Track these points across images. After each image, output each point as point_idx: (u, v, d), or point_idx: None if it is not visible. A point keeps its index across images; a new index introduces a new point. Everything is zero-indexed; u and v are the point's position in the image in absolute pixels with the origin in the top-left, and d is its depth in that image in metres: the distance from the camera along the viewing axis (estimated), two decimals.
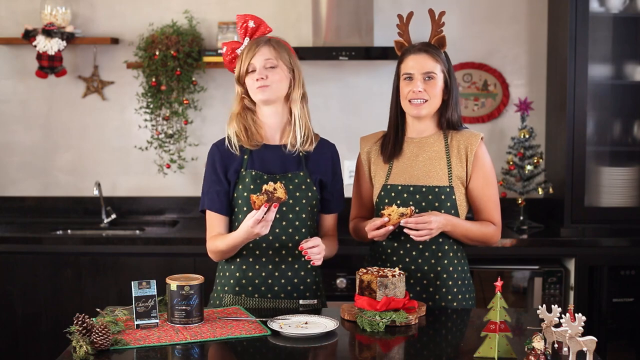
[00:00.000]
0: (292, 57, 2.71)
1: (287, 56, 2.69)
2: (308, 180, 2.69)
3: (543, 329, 2.14)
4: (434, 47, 2.72)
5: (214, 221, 2.72)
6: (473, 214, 2.78)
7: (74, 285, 3.83)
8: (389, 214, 2.57)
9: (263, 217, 2.48)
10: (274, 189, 2.48)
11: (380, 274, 2.47)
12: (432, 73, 2.67)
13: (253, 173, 2.66)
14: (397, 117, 2.76)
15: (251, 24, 2.70)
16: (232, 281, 2.69)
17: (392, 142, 2.76)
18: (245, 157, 2.69)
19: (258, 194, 2.49)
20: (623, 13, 3.96)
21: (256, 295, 2.66)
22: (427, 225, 2.57)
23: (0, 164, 4.39)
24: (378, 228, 2.60)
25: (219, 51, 4.07)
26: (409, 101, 2.68)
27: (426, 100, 2.67)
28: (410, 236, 2.59)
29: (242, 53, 2.68)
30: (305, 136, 2.69)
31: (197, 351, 2.23)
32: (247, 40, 2.71)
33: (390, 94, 2.79)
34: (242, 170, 2.68)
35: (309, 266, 2.68)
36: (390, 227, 2.58)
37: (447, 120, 2.74)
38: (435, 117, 2.74)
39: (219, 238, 2.67)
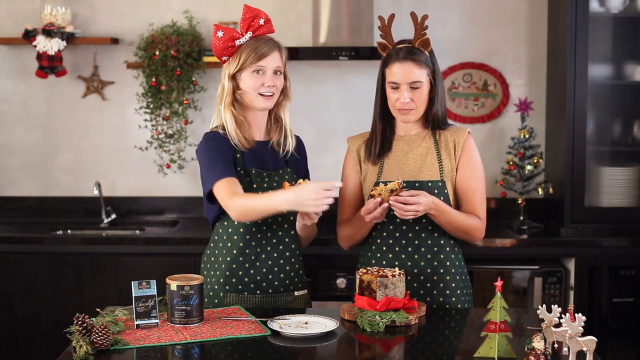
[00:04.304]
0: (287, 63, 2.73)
1: (286, 63, 2.70)
2: (295, 176, 2.74)
3: (543, 329, 2.14)
4: (419, 51, 2.69)
5: (232, 185, 2.55)
6: (459, 207, 2.76)
7: (74, 285, 3.83)
8: (379, 194, 2.58)
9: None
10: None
11: (380, 274, 2.47)
12: (417, 82, 2.66)
13: (254, 171, 2.67)
14: (384, 118, 2.77)
15: (261, 21, 2.65)
16: (218, 273, 2.70)
17: (380, 141, 2.76)
18: (238, 155, 2.68)
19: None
20: (623, 13, 3.96)
21: (240, 287, 2.67)
22: (417, 200, 2.56)
23: (0, 164, 4.39)
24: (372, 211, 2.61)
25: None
26: (397, 109, 2.70)
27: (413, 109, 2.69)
28: (395, 212, 2.59)
29: (247, 50, 2.62)
30: (291, 138, 2.75)
31: (197, 351, 2.23)
32: (248, 34, 2.65)
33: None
34: (239, 168, 2.67)
35: (288, 254, 2.70)
36: (386, 205, 2.58)
37: (433, 116, 2.74)
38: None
39: (251, 196, 2.54)
